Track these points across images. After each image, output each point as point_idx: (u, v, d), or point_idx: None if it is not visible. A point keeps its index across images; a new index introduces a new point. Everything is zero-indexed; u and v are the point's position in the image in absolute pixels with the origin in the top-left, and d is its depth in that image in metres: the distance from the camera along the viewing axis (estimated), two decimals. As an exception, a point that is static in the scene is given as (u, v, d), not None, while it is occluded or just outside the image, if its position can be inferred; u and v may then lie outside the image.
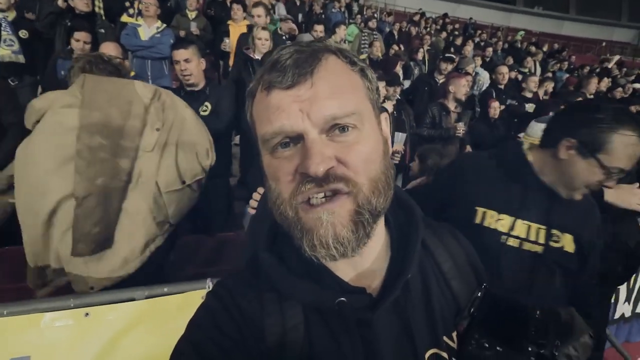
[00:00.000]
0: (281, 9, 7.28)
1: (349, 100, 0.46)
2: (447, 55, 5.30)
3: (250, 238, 1.33)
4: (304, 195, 0.44)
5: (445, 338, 0.53)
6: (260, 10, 3.89)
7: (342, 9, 9.35)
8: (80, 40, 2.84)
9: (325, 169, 0.43)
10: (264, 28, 3.21)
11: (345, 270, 0.51)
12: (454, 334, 0.54)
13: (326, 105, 0.44)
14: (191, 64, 2.26)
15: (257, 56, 3.20)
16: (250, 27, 4.57)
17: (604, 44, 17.85)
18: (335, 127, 0.44)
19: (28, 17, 4.12)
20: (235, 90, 3.00)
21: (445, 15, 11.58)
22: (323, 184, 0.43)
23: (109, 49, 2.46)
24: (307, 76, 0.44)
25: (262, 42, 3.16)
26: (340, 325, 0.49)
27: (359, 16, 8.81)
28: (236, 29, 4.46)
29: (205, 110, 2.39)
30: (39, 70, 3.70)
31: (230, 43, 4.36)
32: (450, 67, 4.94)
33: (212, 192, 2.51)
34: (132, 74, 2.76)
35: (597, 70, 9.14)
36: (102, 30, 4.12)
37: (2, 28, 3.49)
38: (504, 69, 4.85)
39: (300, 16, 7.85)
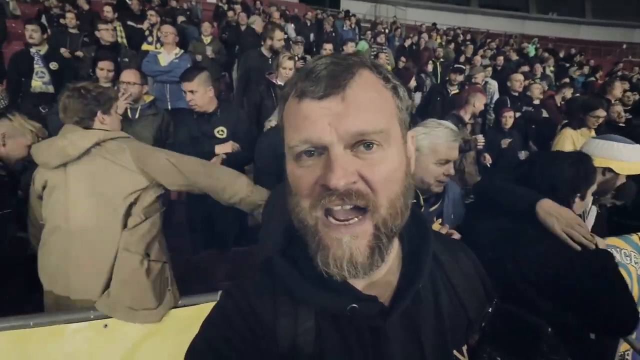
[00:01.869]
0: (290, 31, 7.51)
1: (378, 117, 0.46)
2: (456, 66, 5.32)
3: (263, 239, 1.38)
4: (323, 207, 0.45)
5: (455, 352, 0.54)
6: (280, 34, 3.79)
7: (353, 26, 9.58)
8: (104, 69, 3.04)
9: (346, 184, 0.43)
10: (290, 58, 3.18)
11: (358, 279, 0.51)
12: (464, 348, 0.54)
13: (355, 121, 0.44)
14: (196, 95, 2.33)
15: (280, 82, 3.21)
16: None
17: (624, 46, 17.32)
18: (361, 142, 0.45)
19: (64, 54, 4.42)
20: (255, 113, 3.05)
21: (434, 24, 11.64)
22: (344, 198, 0.44)
23: (128, 76, 2.64)
24: (339, 89, 0.45)
25: (287, 72, 3.16)
26: (352, 332, 0.50)
27: (369, 32, 8.98)
28: None
29: (221, 134, 2.47)
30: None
31: None
32: (460, 77, 4.94)
33: (226, 208, 2.58)
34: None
35: (619, 73, 8.87)
36: (126, 59, 4.40)
37: (34, 61, 3.79)
38: (519, 77, 4.82)
39: (312, 36, 8.10)
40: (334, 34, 8.17)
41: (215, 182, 1.60)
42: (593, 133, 3.22)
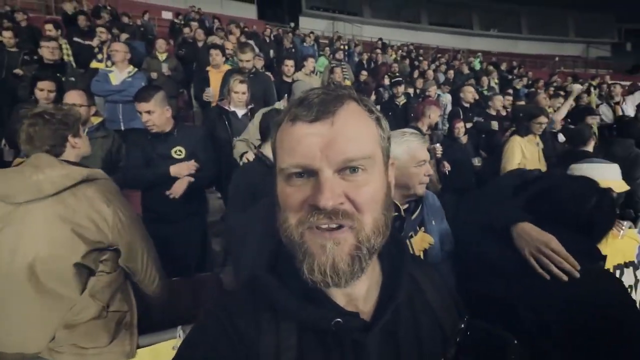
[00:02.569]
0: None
1: (364, 144, 0.50)
2: (394, 80, 5.56)
3: (241, 259, 1.33)
4: (311, 224, 0.48)
5: None
6: (243, 56, 3.56)
7: (312, 43, 9.79)
8: (44, 90, 2.81)
9: (334, 204, 0.47)
10: (241, 81, 2.93)
11: (340, 296, 0.54)
12: None
13: (344, 148, 0.48)
14: (153, 115, 2.21)
15: (233, 108, 2.96)
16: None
17: (557, 59, 19.24)
18: (347, 167, 0.49)
19: None
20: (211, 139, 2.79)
21: (380, 39, 12.30)
22: (331, 217, 0.48)
23: (73, 97, 2.44)
24: (329, 115, 0.49)
25: (239, 97, 2.92)
26: (335, 347, 0.52)
27: (327, 49, 9.22)
28: (217, 76, 4.29)
29: (179, 155, 2.33)
30: (3, 121, 3.61)
31: (212, 92, 4.13)
32: (401, 88, 5.22)
33: (187, 231, 2.45)
34: (95, 121, 2.62)
35: (554, 84, 9.78)
36: (73, 79, 4.13)
37: (-37, 83, 3.44)
38: (471, 89, 5.16)
39: (271, 52, 8.15)
40: (293, 50, 8.29)
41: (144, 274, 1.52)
42: (538, 139, 3.51)
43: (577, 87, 4.73)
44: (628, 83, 8.99)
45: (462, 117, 4.46)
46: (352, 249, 0.49)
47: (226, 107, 2.97)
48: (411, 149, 1.34)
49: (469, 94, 5.02)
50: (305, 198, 0.49)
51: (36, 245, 1.26)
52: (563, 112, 4.30)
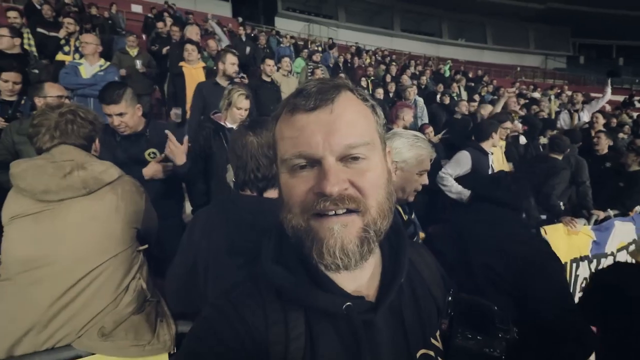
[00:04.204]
0: (219, 32, 7.46)
1: (363, 131, 0.52)
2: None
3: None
4: (316, 211, 0.49)
5: (431, 339, 0.60)
6: (232, 58, 3.38)
7: (288, 44, 9.81)
8: (9, 81, 2.65)
9: (339, 190, 0.48)
10: (247, 96, 2.54)
11: (345, 282, 0.55)
12: (437, 334, 0.62)
13: (345, 134, 0.49)
14: (125, 117, 1.99)
15: (230, 124, 2.52)
16: (206, 70, 4.34)
17: (518, 69, 20.49)
18: (349, 155, 0.50)
19: None
20: (202, 165, 2.50)
21: (331, 38, 12.57)
22: (338, 203, 0.48)
23: (53, 89, 2.29)
24: (329, 102, 0.50)
25: (242, 113, 2.52)
26: (345, 329, 0.53)
27: (305, 50, 9.28)
28: (191, 72, 4.25)
29: (153, 157, 2.14)
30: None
31: (179, 112, 4.07)
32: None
33: (164, 234, 2.34)
34: None
35: (517, 91, 10.40)
36: (36, 71, 3.90)
37: None
38: (466, 103, 5.52)
39: (247, 49, 8.08)
40: (268, 51, 8.27)
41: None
42: (503, 143, 3.76)
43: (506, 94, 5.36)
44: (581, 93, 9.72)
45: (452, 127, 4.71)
46: (360, 231, 0.50)
47: (222, 123, 2.56)
48: (420, 156, 1.35)
49: (464, 107, 5.37)
50: (310, 187, 0.50)
51: (80, 242, 1.24)
52: (497, 109, 4.74)
